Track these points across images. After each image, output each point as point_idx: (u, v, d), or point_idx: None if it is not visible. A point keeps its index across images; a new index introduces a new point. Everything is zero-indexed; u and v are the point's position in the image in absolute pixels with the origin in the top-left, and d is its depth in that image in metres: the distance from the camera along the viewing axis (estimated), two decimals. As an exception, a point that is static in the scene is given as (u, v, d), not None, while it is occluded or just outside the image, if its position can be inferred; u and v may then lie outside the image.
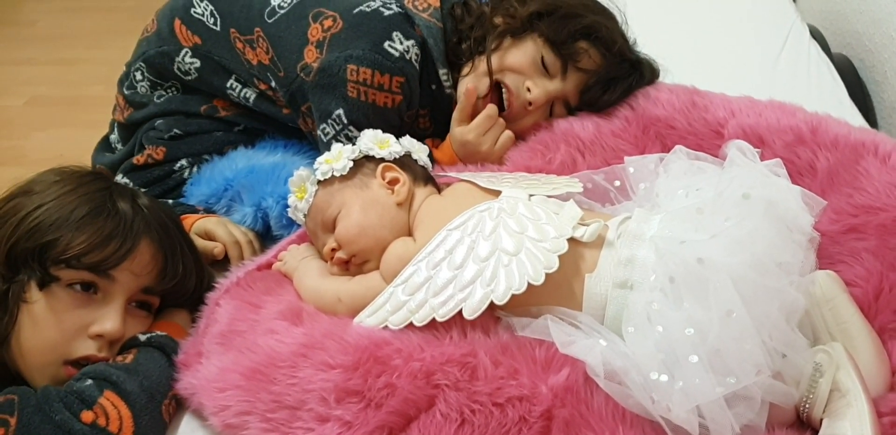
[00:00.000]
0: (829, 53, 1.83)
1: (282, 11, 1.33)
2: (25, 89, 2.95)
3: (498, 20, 1.33)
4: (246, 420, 0.92)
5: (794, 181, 1.12)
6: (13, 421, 0.87)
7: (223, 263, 1.23)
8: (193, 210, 1.32)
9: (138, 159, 1.42)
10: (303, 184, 1.12)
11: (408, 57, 1.27)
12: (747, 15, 1.95)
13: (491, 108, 1.30)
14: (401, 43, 1.27)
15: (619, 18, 1.37)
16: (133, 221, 1.03)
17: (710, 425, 0.83)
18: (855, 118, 1.50)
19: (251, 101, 1.39)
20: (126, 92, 1.47)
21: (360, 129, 1.21)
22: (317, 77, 1.27)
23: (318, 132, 1.30)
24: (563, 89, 1.32)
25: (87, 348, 0.99)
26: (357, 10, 1.29)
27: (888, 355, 0.94)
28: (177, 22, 1.41)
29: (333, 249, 1.07)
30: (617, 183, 1.20)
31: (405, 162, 1.14)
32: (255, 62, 1.35)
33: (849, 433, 0.82)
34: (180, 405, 1.00)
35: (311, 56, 1.28)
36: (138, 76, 1.45)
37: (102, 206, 1.02)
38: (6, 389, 0.92)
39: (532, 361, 0.91)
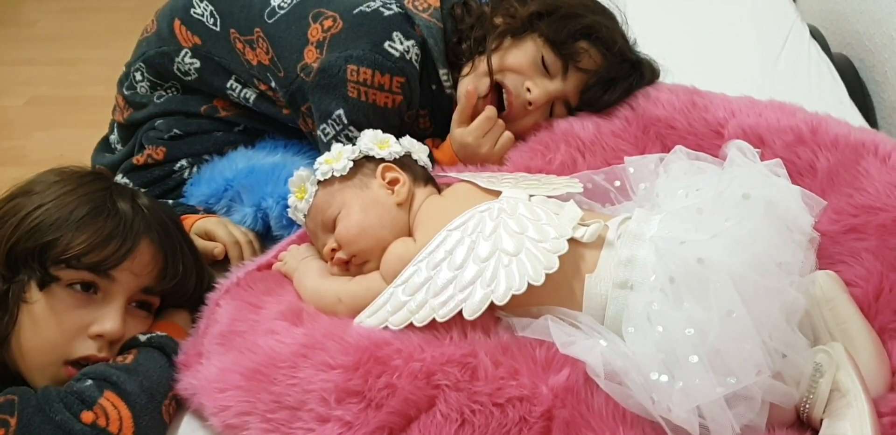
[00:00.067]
0: (829, 53, 1.83)
1: (282, 12, 1.33)
2: (26, 89, 2.95)
3: (498, 20, 1.33)
4: (246, 420, 0.91)
5: (794, 181, 1.12)
6: (13, 421, 0.87)
7: (223, 264, 1.23)
8: (193, 210, 1.32)
9: (138, 159, 1.42)
10: (303, 184, 1.12)
11: (408, 57, 1.27)
12: (747, 15, 1.95)
13: (490, 110, 1.30)
14: (401, 43, 1.27)
15: (619, 18, 1.36)
16: (133, 221, 1.03)
17: (710, 425, 0.83)
18: (855, 118, 1.50)
19: (251, 101, 1.39)
20: (126, 92, 1.47)
21: (360, 130, 1.21)
22: (317, 77, 1.27)
23: (319, 132, 1.30)
24: (563, 89, 1.32)
25: (88, 348, 0.99)
26: (357, 10, 1.29)
27: (888, 355, 0.94)
28: (176, 22, 1.41)
29: (333, 250, 1.07)
30: (617, 183, 1.20)
31: (405, 162, 1.14)
32: (255, 62, 1.35)
33: (849, 433, 0.82)
34: (180, 406, 1.00)
35: (312, 56, 1.28)
36: (138, 76, 1.45)
37: (102, 206, 1.02)
38: (6, 389, 0.92)
39: (532, 361, 0.91)
